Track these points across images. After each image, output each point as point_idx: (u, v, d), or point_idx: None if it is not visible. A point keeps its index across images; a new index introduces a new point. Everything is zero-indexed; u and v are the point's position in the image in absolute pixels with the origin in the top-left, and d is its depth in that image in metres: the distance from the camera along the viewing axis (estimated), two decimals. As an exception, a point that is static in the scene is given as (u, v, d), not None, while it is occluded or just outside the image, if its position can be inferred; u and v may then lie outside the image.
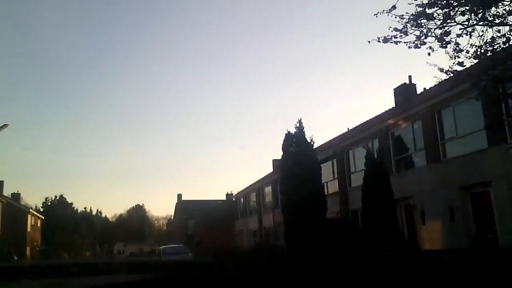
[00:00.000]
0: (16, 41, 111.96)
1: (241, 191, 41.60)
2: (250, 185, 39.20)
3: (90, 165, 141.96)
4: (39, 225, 57.00)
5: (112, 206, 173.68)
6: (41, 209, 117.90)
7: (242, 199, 41.11)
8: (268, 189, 34.54)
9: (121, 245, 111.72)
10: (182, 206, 61.10)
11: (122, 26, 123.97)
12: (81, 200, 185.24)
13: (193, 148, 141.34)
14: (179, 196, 63.49)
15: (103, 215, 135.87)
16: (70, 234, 79.42)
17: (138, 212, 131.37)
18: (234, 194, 42.40)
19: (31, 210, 52.14)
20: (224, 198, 61.38)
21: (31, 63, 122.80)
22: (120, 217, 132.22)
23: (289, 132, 19.76)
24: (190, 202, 61.44)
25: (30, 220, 51.51)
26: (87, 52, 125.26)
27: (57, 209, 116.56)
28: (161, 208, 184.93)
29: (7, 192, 53.62)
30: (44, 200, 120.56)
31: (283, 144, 19.85)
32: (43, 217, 60.27)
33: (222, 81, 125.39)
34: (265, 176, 35.71)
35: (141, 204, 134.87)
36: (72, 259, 57.27)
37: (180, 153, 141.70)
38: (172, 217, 69.55)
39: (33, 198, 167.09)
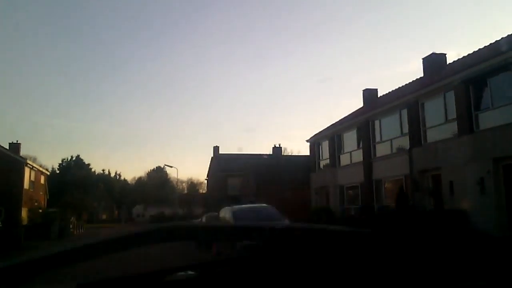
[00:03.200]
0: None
1: (319, 132, 27.90)
2: (341, 120, 26.18)
3: (111, 131, 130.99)
4: (42, 181, 44.21)
5: (132, 170, 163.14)
6: (57, 171, 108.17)
7: (323, 144, 27.50)
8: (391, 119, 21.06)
9: (140, 208, 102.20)
10: (220, 161, 47.65)
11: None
12: (100, 164, 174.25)
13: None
14: (216, 149, 49.97)
15: (122, 178, 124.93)
16: (81, 194, 67.91)
17: (159, 174, 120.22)
18: (311, 137, 28.50)
19: (29, 162, 39.08)
20: (268, 152, 48.14)
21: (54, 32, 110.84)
22: (139, 180, 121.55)
23: None
24: (230, 157, 48.10)
25: (28, 175, 38.71)
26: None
27: (73, 170, 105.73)
28: (184, 170, 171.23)
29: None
30: (60, 162, 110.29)
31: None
32: (48, 172, 47.48)
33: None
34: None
35: (162, 166, 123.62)
36: (80, 222, 45.23)
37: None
38: (206, 176, 55.26)
39: (51, 161, 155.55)
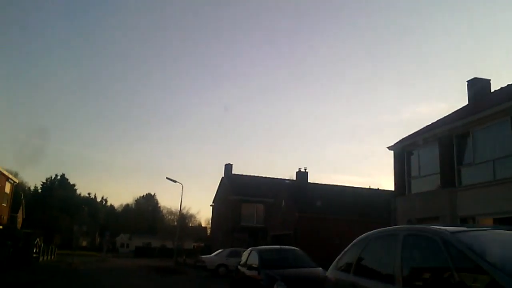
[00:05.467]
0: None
1: (414, 133, 18.38)
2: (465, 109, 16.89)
3: (101, 159, 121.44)
4: (6, 190, 33.86)
5: (119, 196, 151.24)
6: (39, 190, 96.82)
7: (420, 152, 17.80)
8: None
9: (125, 237, 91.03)
10: (233, 182, 37.76)
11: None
12: (86, 187, 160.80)
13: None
14: (228, 168, 39.65)
15: (109, 203, 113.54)
16: (59, 215, 57.23)
17: (148, 202, 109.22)
18: (397, 142, 18.57)
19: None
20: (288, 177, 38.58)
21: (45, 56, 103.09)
22: (127, 207, 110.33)
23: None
24: (247, 179, 38.25)
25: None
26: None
27: (56, 190, 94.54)
28: (171, 201, 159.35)
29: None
30: (44, 181, 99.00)
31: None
32: (16, 181, 36.99)
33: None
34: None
35: (152, 194, 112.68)
36: (49, 247, 34.21)
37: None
38: (212, 200, 43.64)
39: (35, 181, 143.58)
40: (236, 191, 35.71)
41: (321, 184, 31.18)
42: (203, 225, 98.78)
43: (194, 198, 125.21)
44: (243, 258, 12.31)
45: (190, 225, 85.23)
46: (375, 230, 5.06)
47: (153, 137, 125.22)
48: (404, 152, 18.75)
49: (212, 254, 24.43)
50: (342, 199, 26.90)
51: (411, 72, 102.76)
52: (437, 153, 16.67)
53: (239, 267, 12.30)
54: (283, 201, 27.89)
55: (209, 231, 78.58)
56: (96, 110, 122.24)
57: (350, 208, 25.53)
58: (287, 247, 13.08)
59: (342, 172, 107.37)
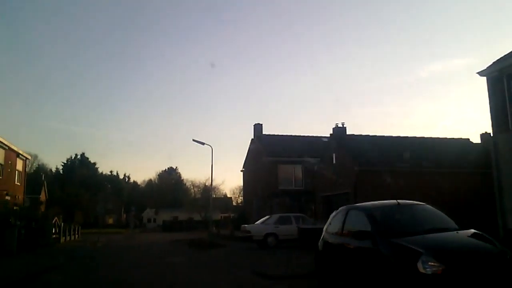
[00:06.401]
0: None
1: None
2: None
3: (119, 137, 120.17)
4: (19, 167, 30.56)
5: (142, 173, 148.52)
6: (61, 172, 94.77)
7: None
8: None
9: (151, 212, 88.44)
10: (265, 143, 33.63)
11: None
12: (107, 165, 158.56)
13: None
14: (257, 128, 34.71)
15: (131, 180, 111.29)
16: (78, 191, 54.38)
17: (171, 176, 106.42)
18: (491, 65, 14.22)
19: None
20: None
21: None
22: (150, 182, 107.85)
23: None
24: (279, 139, 34.12)
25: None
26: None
27: (78, 170, 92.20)
28: (194, 173, 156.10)
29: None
30: (64, 162, 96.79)
31: None
32: (28, 157, 33.56)
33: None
34: None
35: (174, 167, 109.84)
36: (71, 225, 30.75)
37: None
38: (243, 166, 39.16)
39: (55, 163, 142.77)
40: (270, 152, 31.66)
41: (371, 135, 26.78)
42: (228, 196, 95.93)
43: (218, 168, 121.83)
44: (335, 222, 8.11)
45: (214, 196, 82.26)
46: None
47: (172, 108, 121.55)
48: (504, 77, 14.28)
49: (258, 222, 20.62)
50: (400, 149, 22.60)
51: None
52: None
53: (327, 235, 8.24)
54: (333, 156, 23.66)
55: (235, 201, 75.52)
56: (108, 86, 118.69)
57: (422, 158, 21.35)
58: (408, 201, 7.65)
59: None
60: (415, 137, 27.11)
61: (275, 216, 20.25)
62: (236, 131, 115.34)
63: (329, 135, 27.73)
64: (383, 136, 26.62)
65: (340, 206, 8.46)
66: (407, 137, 26.91)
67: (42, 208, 41.52)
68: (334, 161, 23.42)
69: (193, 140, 25.84)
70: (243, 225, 20.81)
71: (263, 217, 22.07)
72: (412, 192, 13.14)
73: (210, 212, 33.24)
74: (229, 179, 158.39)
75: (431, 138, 27.21)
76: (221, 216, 63.40)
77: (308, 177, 29.00)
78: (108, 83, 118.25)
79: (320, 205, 24.31)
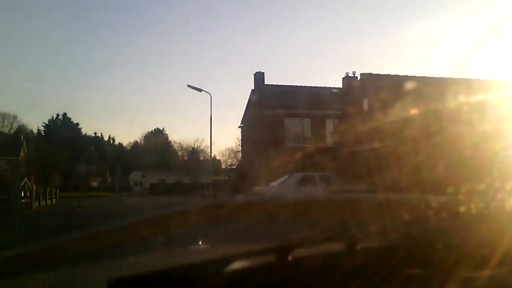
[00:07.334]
0: None
1: None
2: None
3: (102, 98, 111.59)
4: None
5: (126, 134, 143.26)
6: (43, 133, 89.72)
7: None
8: None
9: (138, 175, 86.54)
10: (269, 93, 29.08)
11: None
12: (91, 126, 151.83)
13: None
14: (258, 78, 30.22)
15: (116, 142, 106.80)
16: (56, 151, 50.10)
17: (157, 137, 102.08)
18: None
19: None
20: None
21: None
22: (136, 144, 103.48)
23: None
24: (284, 89, 29.77)
25: None
26: None
27: (60, 131, 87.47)
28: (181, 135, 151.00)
29: None
30: (46, 123, 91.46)
31: None
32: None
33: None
34: None
35: (161, 128, 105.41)
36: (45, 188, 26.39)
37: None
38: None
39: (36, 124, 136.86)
40: (273, 104, 27.49)
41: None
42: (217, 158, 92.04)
43: (208, 128, 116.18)
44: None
45: (202, 158, 78.35)
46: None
47: (161, 63, 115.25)
48: None
49: (274, 183, 16.67)
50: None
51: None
52: None
53: None
54: (365, 102, 19.42)
55: (224, 164, 72.24)
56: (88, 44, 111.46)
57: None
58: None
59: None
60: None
61: (297, 176, 16.31)
62: (230, 85, 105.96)
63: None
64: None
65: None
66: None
67: (23, 170, 37.51)
68: (365, 109, 19.18)
69: (188, 86, 21.51)
70: (255, 187, 16.87)
71: (270, 177, 18.31)
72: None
73: (209, 174, 29.35)
74: (220, 140, 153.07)
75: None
76: (213, 179, 60.09)
77: (316, 132, 25.16)
78: (91, 40, 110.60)
79: (346, 162, 20.24)
